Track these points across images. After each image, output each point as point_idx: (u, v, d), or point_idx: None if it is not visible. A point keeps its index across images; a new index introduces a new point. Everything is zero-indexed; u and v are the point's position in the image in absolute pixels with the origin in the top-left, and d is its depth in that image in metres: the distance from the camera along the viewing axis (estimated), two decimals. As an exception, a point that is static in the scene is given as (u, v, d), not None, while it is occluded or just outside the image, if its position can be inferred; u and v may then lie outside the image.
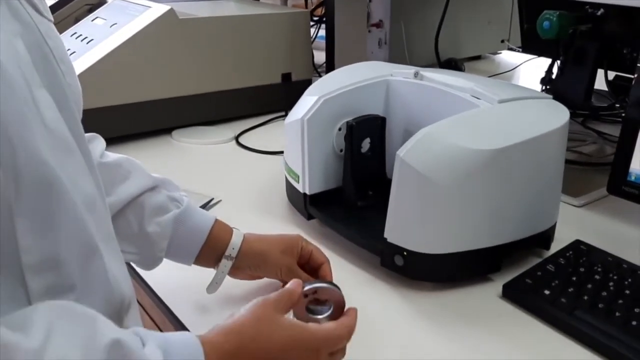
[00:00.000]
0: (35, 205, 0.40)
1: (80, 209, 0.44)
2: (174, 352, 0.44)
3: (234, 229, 0.69)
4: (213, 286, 0.68)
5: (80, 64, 1.08)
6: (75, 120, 0.48)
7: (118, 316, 0.49)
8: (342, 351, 0.55)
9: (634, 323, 0.60)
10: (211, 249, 0.67)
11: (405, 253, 0.69)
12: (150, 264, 0.67)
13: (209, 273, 0.68)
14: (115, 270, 0.49)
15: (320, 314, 0.57)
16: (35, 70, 0.43)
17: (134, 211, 0.65)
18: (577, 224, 0.87)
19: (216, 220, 0.68)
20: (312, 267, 0.70)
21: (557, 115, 0.75)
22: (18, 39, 0.42)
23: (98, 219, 0.48)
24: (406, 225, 0.70)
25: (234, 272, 0.68)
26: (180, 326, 0.66)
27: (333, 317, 0.57)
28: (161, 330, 0.72)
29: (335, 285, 0.59)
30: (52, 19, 0.49)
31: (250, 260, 0.68)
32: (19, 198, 0.39)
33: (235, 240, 0.67)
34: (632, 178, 0.73)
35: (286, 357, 0.50)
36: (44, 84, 0.43)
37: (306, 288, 0.56)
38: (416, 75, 0.86)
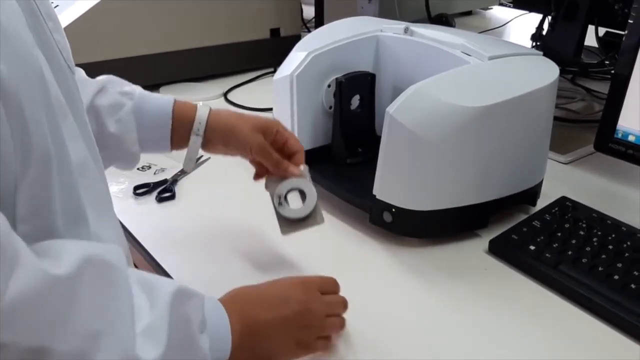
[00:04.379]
0: (37, 177, 0.39)
1: (72, 175, 0.44)
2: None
3: (197, 104, 0.67)
4: (187, 162, 0.67)
5: (63, 19, 1.05)
6: (67, 81, 0.46)
7: None
8: (341, 322, 0.58)
9: (615, 277, 0.62)
10: (182, 128, 0.66)
11: (393, 210, 0.70)
12: (130, 162, 0.67)
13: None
14: (106, 236, 0.49)
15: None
16: (28, 28, 0.41)
17: (91, 118, 0.63)
18: (563, 180, 0.88)
19: (175, 100, 0.67)
20: (286, 154, 0.68)
21: (547, 72, 0.74)
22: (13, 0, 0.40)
23: (88, 183, 0.47)
24: (395, 182, 0.70)
25: (207, 147, 0.68)
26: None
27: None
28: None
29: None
30: None
31: (219, 135, 0.67)
32: (24, 172, 0.38)
33: (201, 115, 0.66)
34: (619, 135, 0.74)
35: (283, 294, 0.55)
36: (37, 43, 0.41)
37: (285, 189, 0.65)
38: (406, 31, 0.85)
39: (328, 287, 0.59)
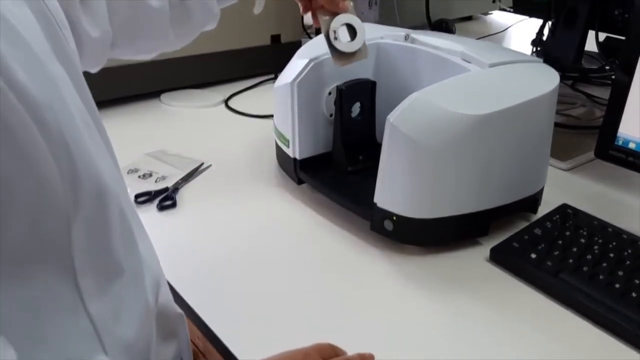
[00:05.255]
0: (90, 211, 0.38)
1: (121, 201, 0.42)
2: None
3: None
4: (258, 6, 0.75)
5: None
6: (87, 93, 0.44)
7: (155, 293, 0.49)
8: None
9: (616, 285, 0.62)
10: None
11: (394, 218, 0.70)
12: (214, 23, 0.75)
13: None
14: (146, 254, 0.48)
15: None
16: (46, 40, 0.39)
17: None
18: (564, 187, 0.88)
19: None
20: None
21: (547, 79, 0.75)
22: (25, 7, 0.37)
23: (122, 195, 0.46)
24: (396, 190, 0.70)
25: None
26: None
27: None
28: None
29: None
30: None
31: None
32: (77, 211, 0.37)
33: None
34: (620, 142, 0.74)
35: None
36: (56, 56, 0.39)
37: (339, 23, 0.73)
38: (407, 38, 0.86)
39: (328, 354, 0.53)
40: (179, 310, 0.57)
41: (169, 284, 0.67)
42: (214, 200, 0.84)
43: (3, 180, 0.31)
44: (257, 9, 0.75)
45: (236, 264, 0.71)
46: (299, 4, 0.76)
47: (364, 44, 0.76)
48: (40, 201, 0.34)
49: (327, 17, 0.74)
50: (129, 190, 0.84)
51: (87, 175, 0.37)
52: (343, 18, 0.74)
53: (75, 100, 0.40)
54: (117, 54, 0.68)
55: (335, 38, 0.74)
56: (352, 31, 0.75)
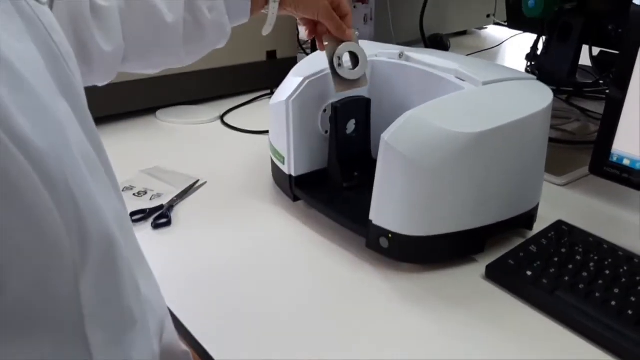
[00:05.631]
0: (98, 259, 0.35)
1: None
2: None
3: None
4: (267, 27, 0.77)
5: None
6: (93, 128, 0.41)
7: (159, 336, 0.47)
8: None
9: (613, 303, 0.61)
10: None
11: (390, 235, 0.70)
12: (224, 42, 0.77)
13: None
14: (150, 294, 0.46)
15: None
16: (49, 76, 0.36)
17: (191, 9, 0.69)
18: (559, 203, 0.88)
19: None
20: (338, 15, 0.76)
21: (541, 96, 0.75)
22: (29, 41, 0.35)
23: (126, 234, 0.43)
24: (391, 208, 0.70)
25: (278, 8, 0.76)
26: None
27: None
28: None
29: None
30: (45, 0, 0.41)
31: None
32: (85, 264, 0.34)
33: None
34: (614, 159, 0.74)
35: None
36: (60, 90, 0.37)
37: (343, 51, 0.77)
38: (401, 56, 0.86)
39: None
40: (184, 347, 0.55)
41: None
42: (209, 217, 0.84)
43: (3, 237, 0.29)
44: (266, 31, 0.77)
45: (232, 282, 0.70)
46: (304, 27, 0.79)
47: (366, 73, 0.80)
48: (45, 257, 0.32)
49: (332, 43, 0.77)
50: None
51: (94, 224, 0.35)
52: (348, 46, 0.77)
53: (79, 139, 0.37)
54: (127, 67, 0.69)
55: (340, 65, 0.77)
56: (355, 59, 0.79)
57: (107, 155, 0.43)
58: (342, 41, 0.78)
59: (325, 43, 0.79)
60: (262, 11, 0.76)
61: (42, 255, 0.31)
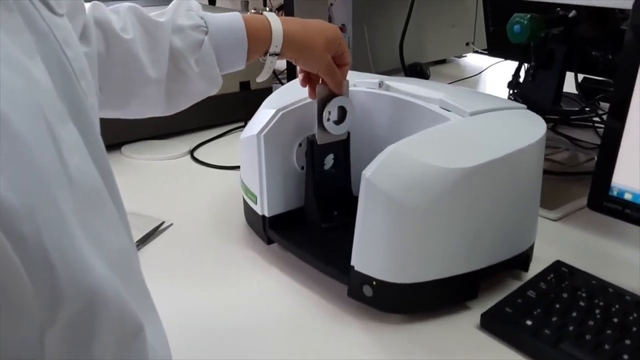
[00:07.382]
0: (72, 319, 0.31)
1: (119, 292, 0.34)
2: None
3: (266, 18, 0.68)
4: (263, 75, 0.71)
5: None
6: (102, 154, 0.38)
7: None
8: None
9: (625, 357, 0.55)
10: (257, 48, 0.68)
11: (374, 283, 0.63)
12: (214, 91, 0.70)
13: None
14: (155, 339, 0.41)
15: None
16: (58, 97, 0.33)
17: (177, 62, 0.64)
18: (555, 239, 0.81)
19: (242, 17, 0.67)
20: (336, 65, 0.72)
21: (533, 127, 0.70)
22: (36, 58, 0.32)
23: (131, 275, 0.39)
24: (375, 252, 0.63)
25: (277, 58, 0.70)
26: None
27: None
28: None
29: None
30: (63, 12, 0.38)
31: (294, 52, 0.70)
32: (55, 322, 0.30)
33: (276, 35, 0.67)
34: (615, 193, 0.68)
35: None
36: (69, 113, 0.34)
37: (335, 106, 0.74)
38: (381, 85, 0.80)
39: None
40: None
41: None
42: (173, 267, 0.76)
43: None
44: (261, 78, 0.72)
45: (198, 337, 0.62)
46: (299, 74, 0.75)
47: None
48: (7, 317, 0.27)
49: (324, 93, 0.73)
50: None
51: (72, 281, 0.30)
52: (340, 100, 0.74)
53: (82, 170, 0.33)
54: (101, 114, 0.62)
55: (328, 119, 0.74)
56: (342, 111, 0.76)
57: (116, 183, 0.40)
58: (335, 95, 0.74)
59: (320, 94, 0.73)
60: (260, 59, 0.70)
61: (3, 316, 0.27)
